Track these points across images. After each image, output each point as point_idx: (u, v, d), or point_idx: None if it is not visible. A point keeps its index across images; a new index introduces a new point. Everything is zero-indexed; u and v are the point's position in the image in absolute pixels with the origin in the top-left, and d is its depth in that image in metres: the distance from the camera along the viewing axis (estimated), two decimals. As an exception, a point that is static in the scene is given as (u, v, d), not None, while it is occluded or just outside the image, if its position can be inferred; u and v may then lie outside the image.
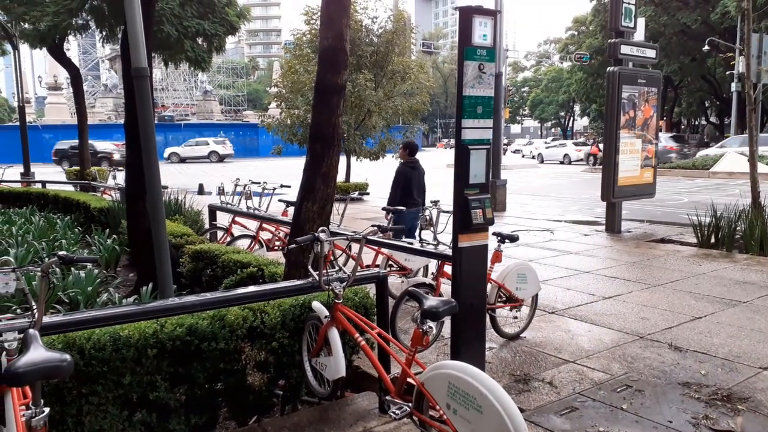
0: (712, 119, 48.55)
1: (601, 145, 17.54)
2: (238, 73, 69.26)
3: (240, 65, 74.06)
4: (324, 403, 3.65)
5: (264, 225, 7.59)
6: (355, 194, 10.70)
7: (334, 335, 3.25)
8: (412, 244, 5.51)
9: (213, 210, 8.62)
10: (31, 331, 2.20)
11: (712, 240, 8.58)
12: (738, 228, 8.52)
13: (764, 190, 9.27)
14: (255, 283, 4.57)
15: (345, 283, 3.37)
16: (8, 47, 17.23)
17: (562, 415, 3.49)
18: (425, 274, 6.06)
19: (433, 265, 5.63)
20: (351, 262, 6.31)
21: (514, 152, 51.46)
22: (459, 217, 3.60)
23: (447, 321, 4.11)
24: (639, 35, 10.64)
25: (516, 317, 4.83)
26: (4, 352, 2.27)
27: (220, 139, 43.40)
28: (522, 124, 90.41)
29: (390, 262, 5.93)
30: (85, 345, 2.84)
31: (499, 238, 4.79)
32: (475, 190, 3.59)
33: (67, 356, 1.99)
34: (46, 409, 2.03)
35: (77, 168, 18.56)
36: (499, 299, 4.74)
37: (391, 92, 15.49)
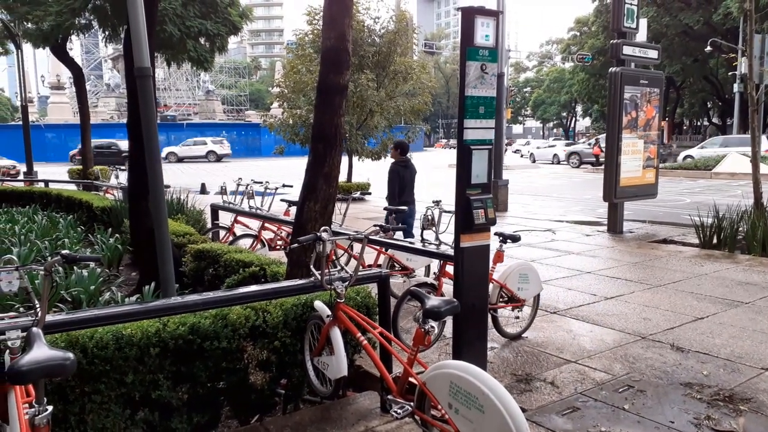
0: (715, 120, 48.48)
1: (603, 145, 17.51)
2: (240, 73, 69.32)
3: (242, 65, 74.13)
4: (326, 403, 3.66)
5: (266, 224, 7.60)
6: (357, 194, 10.66)
7: (336, 334, 3.26)
8: (412, 243, 5.51)
9: (215, 209, 8.64)
10: (34, 329, 2.20)
11: (715, 241, 8.57)
12: (740, 229, 8.51)
13: (767, 190, 9.25)
14: (257, 283, 4.58)
15: (347, 283, 3.38)
16: (11, 47, 17.29)
17: (563, 415, 3.49)
18: (427, 274, 6.07)
19: (435, 264, 5.63)
20: (353, 262, 6.32)
21: (514, 152, 51.77)
22: (461, 217, 3.60)
23: (449, 321, 4.12)
24: (641, 36, 10.62)
25: (518, 317, 4.83)
26: (8, 351, 2.28)
27: (218, 139, 43.43)
28: (524, 124, 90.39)
29: (392, 262, 5.93)
30: (88, 343, 2.85)
31: (501, 238, 4.79)
32: (477, 190, 3.59)
33: (70, 355, 2.00)
34: (49, 408, 2.04)
35: (80, 167, 18.60)
36: (501, 299, 4.74)
37: (393, 92, 15.50)
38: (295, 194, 5.77)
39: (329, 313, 3.32)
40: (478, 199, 3.58)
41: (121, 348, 2.93)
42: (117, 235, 7.81)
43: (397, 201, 7.23)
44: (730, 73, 30.97)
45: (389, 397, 3.02)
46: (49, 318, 2.62)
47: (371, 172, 18.87)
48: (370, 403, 3.62)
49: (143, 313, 3.09)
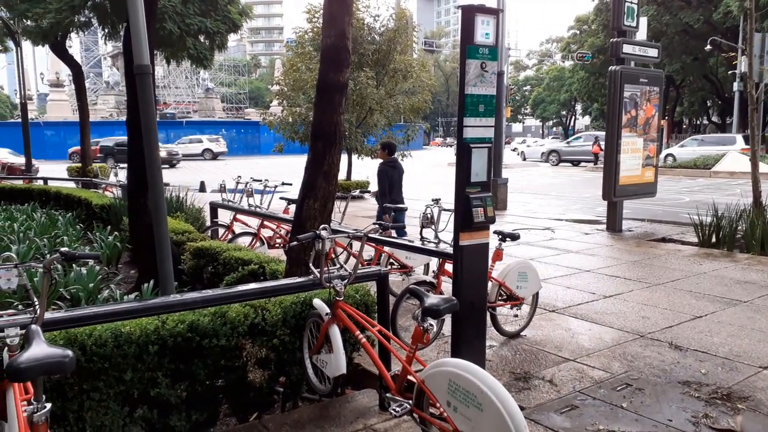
0: (714, 119, 48.47)
1: (602, 144, 17.52)
2: (240, 71, 69.29)
3: (242, 63, 74.06)
4: (324, 400, 3.66)
5: (265, 222, 7.60)
6: (357, 192, 10.70)
7: (335, 332, 3.26)
8: (411, 242, 5.52)
9: (214, 207, 8.64)
10: (33, 326, 2.20)
11: (713, 239, 8.57)
12: (739, 227, 8.51)
13: (765, 189, 9.26)
14: (256, 281, 4.57)
15: (346, 281, 3.38)
16: (11, 44, 17.24)
17: (562, 413, 3.50)
18: (426, 272, 6.07)
19: (434, 263, 5.64)
20: (352, 260, 6.32)
21: (512, 150, 51.77)
22: (460, 216, 3.60)
23: (447, 319, 4.12)
24: (641, 34, 10.62)
25: (516, 315, 4.83)
26: (6, 348, 2.28)
27: (214, 137, 43.45)
28: (524, 123, 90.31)
29: (391, 260, 5.94)
30: (87, 341, 2.85)
31: (500, 236, 4.79)
32: (477, 189, 3.59)
33: (69, 352, 2.00)
34: (48, 405, 2.04)
35: (79, 164, 18.58)
36: (500, 297, 4.75)
37: (393, 90, 15.49)
38: (294, 192, 5.77)
39: (328, 311, 3.32)
40: (478, 197, 3.58)
41: (119, 345, 2.93)
42: (116, 232, 7.80)
43: (387, 200, 7.32)
44: (729, 72, 30.98)
45: (388, 395, 3.02)
46: (47, 315, 2.62)
47: (371, 170, 18.81)
48: (369, 401, 3.62)
49: (142, 311, 3.09)
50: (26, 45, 16.66)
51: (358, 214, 11.96)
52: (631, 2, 9.80)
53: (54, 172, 18.84)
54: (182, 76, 59.52)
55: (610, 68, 9.79)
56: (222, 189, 8.54)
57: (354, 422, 3.37)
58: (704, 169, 23.22)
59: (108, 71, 63.48)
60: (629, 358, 4.34)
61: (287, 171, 16.13)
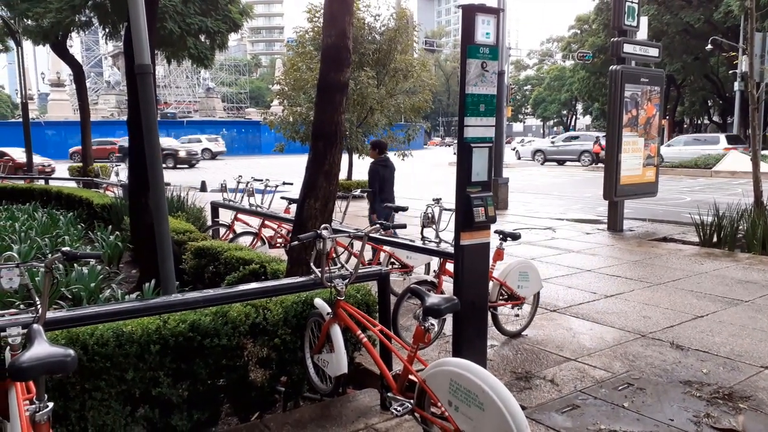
0: (715, 118, 48.42)
1: (603, 143, 17.52)
2: (240, 71, 69.29)
3: (243, 62, 74.10)
4: (326, 400, 3.66)
5: (266, 222, 7.61)
6: (357, 192, 10.67)
7: (336, 332, 3.26)
8: (412, 241, 5.51)
9: (215, 207, 8.64)
10: (34, 326, 2.21)
11: (715, 239, 8.57)
12: (740, 227, 8.50)
13: (767, 189, 9.25)
14: (257, 280, 4.58)
15: (347, 281, 3.38)
16: (11, 44, 17.25)
17: (563, 413, 3.50)
18: (427, 272, 6.07)
19: (435, 262, 5.63)
20: (353, 260, 6.32)
21: (512, 149, 51.74)
22: (461, 215, 3.60)
23: (449, 318, 4.12)
24: (642, 34, 10.61)
25: (518, 315, 4.83)
26: (9, 347, 2.28)
27: (213, 136, 43.44)
28: (524, 122, 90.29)
29: (392, 260, 5.94)
30: (89, 340, 2.86)
31: (501, 236, 4.79)
32: (477, 188, 3.59)
33: (71, 351, 2.00)
34: (50, 404, 2.04)
35: (80, 164, 18.60)
36: (501, 297, 4.75)
37: (394, 90, 15.49)
38: (295, 192, 5.77)
39: (329, 310, 3.32)
40: (479, 196, 3.58)
41: (121, 345, 2.93)
42: (117, 232, 7.81)
43: (379, 199, 7.33)
44: (730, 72, 30.91)
45: (389, 394, 3.02)
46: (49, 315, 2.62)
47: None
48: (370, 401, 3.62)
49: (143, 311, 3.10)
50: (27, 44, 16.66)
51: (358, 214, 11.95)
52: (632, 2, 9.79)
53: (55, 172, 18.85)
54: (183, 75, 59.53)
55: (610, 68, 9.78)
56: (223, 189, 8.54)
57: (355, 422, 3.37)
58: (705, 168, 23.24)
59: (109, 71, 63.46)
60: (630, 358, 4.34)
61: (288, 171, 16.13)
